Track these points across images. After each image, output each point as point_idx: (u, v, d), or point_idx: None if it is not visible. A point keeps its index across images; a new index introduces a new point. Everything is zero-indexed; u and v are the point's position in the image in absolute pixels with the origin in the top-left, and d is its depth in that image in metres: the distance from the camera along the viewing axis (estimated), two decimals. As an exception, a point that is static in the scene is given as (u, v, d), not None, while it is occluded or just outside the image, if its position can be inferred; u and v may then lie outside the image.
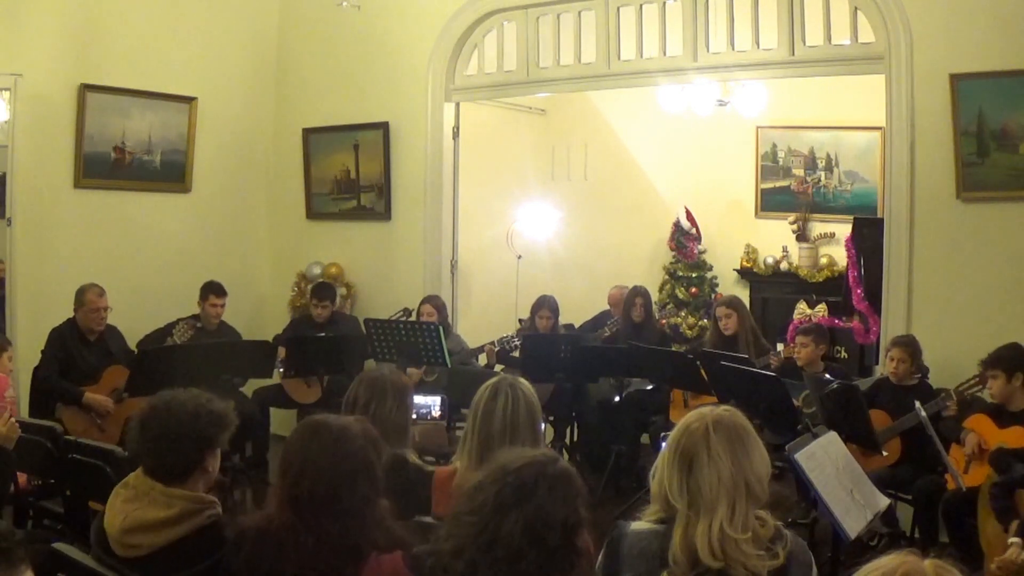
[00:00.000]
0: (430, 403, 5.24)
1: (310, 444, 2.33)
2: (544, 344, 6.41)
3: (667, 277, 8.40)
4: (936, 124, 5.15)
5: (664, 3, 6.18)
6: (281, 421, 6.75)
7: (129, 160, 6.82)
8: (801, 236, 8.11)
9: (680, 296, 8.24)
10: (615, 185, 8.81)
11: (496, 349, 6.45)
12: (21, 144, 6.29)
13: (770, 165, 8.36)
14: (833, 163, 8.04)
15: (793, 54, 5.71)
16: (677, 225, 8.29)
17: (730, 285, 8.36)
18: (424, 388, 5.96)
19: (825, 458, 3.34)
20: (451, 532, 1.99)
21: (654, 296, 7.65)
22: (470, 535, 1.94)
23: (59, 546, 2.67)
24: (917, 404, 4.58)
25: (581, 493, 2.03)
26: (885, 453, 4.65)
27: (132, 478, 2.49)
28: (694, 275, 8.28)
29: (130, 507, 2.41)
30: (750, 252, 8.36)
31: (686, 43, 6.08)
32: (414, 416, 3.65)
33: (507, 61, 6.83)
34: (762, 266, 8.27)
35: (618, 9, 6.32)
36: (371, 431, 2.44)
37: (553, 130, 9.04)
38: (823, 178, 8.10)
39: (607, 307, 7.39)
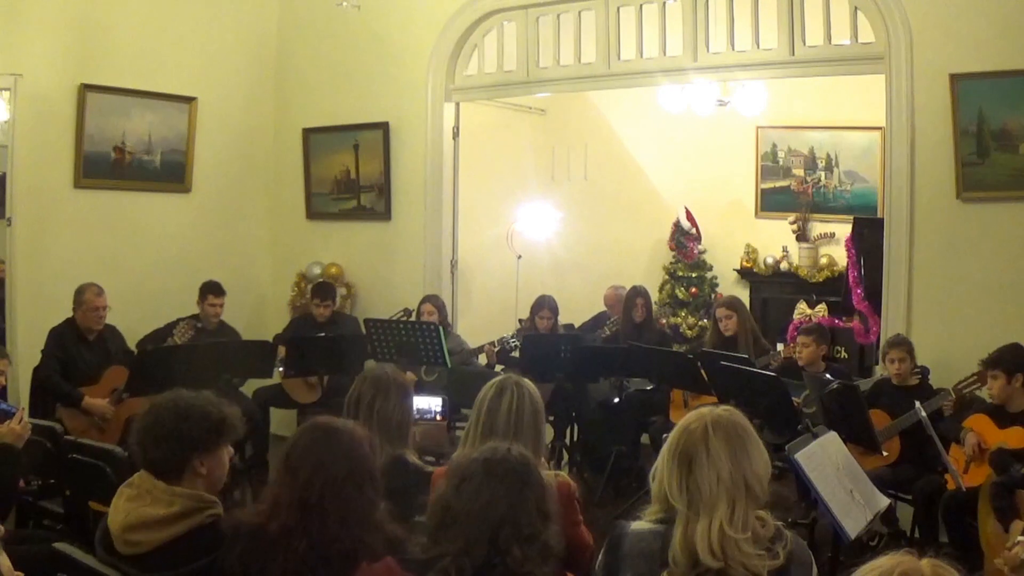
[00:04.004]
0: (431, 404, 5.24)
1: (324, 447, 2.33)
2: (544, 344, 6.41)
3: (667, 277, 8.41)
4: (936, 124, 5.15)
5: (664, 3, 6.18)
6: (281, 421, 6.75)
7: (129, 160, 6.82)
8: (801, 236, 8.12)
9: (680, 296, 8.24)
10: (615, 185, 8.81)
11: (496, 349, 6.45)
12: (21, 144, 6.29)
13: (770, 165, 8.36)
14: (833, 163, 8.05)
15: (793, 54, 5.71)
16: (677, 225, 8.29)
17: (730, 285, 8.36)
18: (424, 388, 5.97)
19: (825, 458, 3.34)
20: (438, 539, 2.02)
21: (654, 296, 7.66)
22: (456, 529, 1.99)
23: (59, 546, 2.67)
24: (917, 404, 4.59)
25: (532, 468, 2.12)
26: (885, 453, 4.65)
27: (136, 477, 2.50)
28: (694, 275, 8.28)
29: (132, 505, 2.43)
30: (750, 252, 8.36)
31: (686, 43, 6.08)
32: (416, 417, 3.65)
33: (507, 61, 6.83)
34: (762, 266, 8.27)
35: (618, 9, 6.32)
36: (371, 436, 2.46)
37: (553, 130, 9.03)
38: (823, 178, 8.11)
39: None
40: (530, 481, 2.07)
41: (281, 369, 6.21)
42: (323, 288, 6.82)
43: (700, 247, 8.33)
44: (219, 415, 2.52)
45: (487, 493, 2.01)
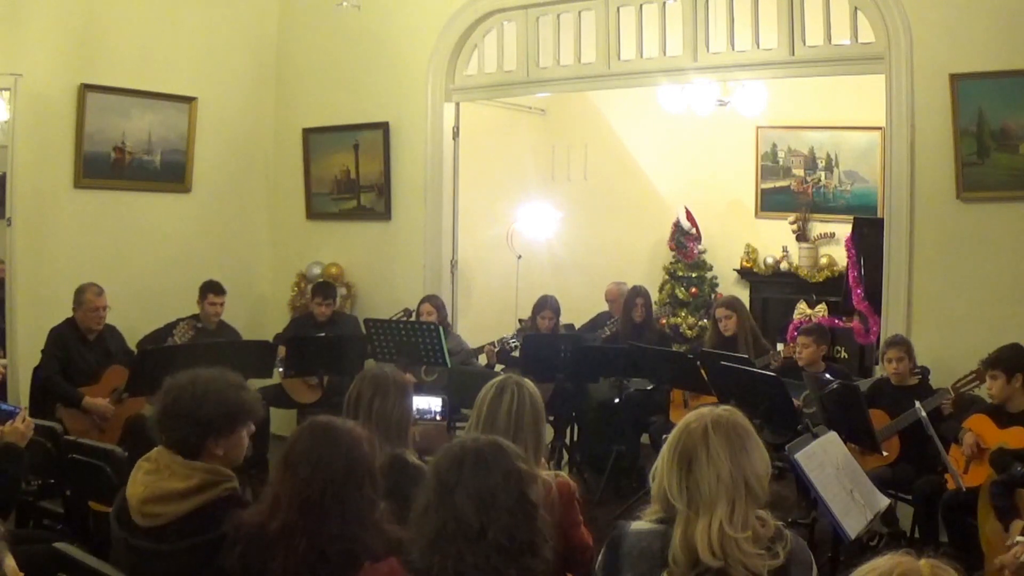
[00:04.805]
0: (431, 405, 5.25)
1: (323, 446, 2.34)
2: (544, 344, 6.41)
3: (667, 277, 8.41)
4: (936, 124, 5.15)
5: (664, 3, 6.18)
6: (281, 421, 6.75)
7: (129, 160, 6.82)
8: (801, 236, 8.12)
9: (680, 296, 8.24)
10: (615, 185, 8.81)
11: (496, 349, 6.45)
12: (21, 144, 6.28)
13: (770, 165, 8.36)
14: (833, 163, 8.05)
15: (793, 54, 5.71)
16: (677, 225, 8.29)
17: (730, 285, 8.36)
18: (424, 388, 5.97)
19: (825, 458, 3.34)
20: (422, 535, 2.02)
21: (654, 296, 7.65)
22: (434, 530, 1.99)
23: (59, 546, 2.68)
24: (917, 403, 4.59)
25: (514, 452, 2.12)
26: (885, 453, 4.66)
27: (154, 452, 2.55)
28: (694, 275, 8.28)
29: (151, 478, 2.47)
30: (750, 252, 8.36)
31: (686, 43, 6.08)
32: (415, 417, 3.66)
33: (507, 61, 6.83)
34: (762, 266, 8.27)
35: (618, 9, 6.32)
36: (371, 436, 2.47)
37: (553, 130, 9.04)
38: (823, 178, 8.11)
39: (605, 308, 7.40)
40: (505, 468, 2.07)
41: (281, 369, 6.21)
42: (324, 287, 6.83)
43: (700, 247, 8.33)
44: (236, 399, 2.56)
45: (470, 488, 2.02)
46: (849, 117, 7.73)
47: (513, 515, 1.99)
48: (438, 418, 5.25)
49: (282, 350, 6.17)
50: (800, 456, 3.25)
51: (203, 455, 2.50)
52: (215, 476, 2.47)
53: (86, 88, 6.48)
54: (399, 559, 2.10)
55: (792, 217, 8.13)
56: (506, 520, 1.98)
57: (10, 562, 1.79)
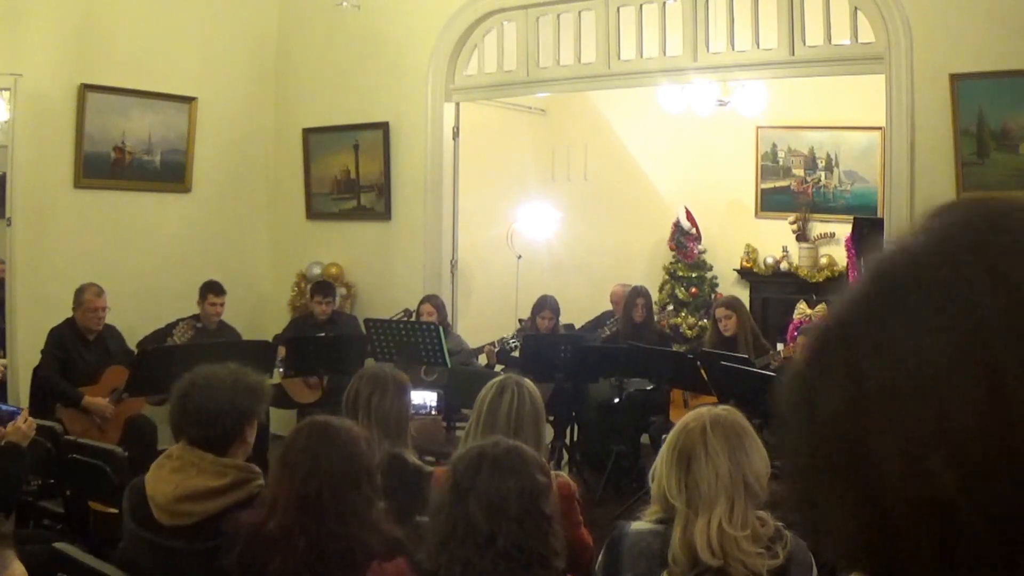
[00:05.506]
0: (426, 399, 5.23)
1: (320, 445, 2.34)
2: (544, 344, 6.41)
3: (667, 277, 8.40)
4: (936, 124, 5.15)
5: (664, 3, 6.18)
6: (281, 421, 6.74)
7: (129, 160, 6.82)
8: (801, 236, 8.11)
9: (680, 296, 8.24)
10: (615, 185, 8.81)
11: (496, 349, 6.45)
12: (21, 144, 6.29)
13: (770, 165, 8.35)
14: (833, 163, 8.04)
15: (793, 54, 5.71)
16: (677, 225, 8.29)
17: (730, 285, 8.36)
18: (424, 387, 5.96)
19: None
20: (433, 535, 2.02)
21: (654, 296, 7.66)
22: (445, 532, 1.99)
23: (59, 546, 2.68)
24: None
25: (534, 462, 2.08)
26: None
27: (176, 449, 2.54)
28: (694, 275, 8.28)
29: (179, 477, 2.47)
30: (750, 252, 8.35)
31: (686, 43, 6.08)
32: (412, 413, 3.65)
33: (507, 61, 6.83)
34: (762, 266, 8.26)
35: (618, 9, 6.32)
36: (369, 435, 2.48)
37: (553, 130, 9.04)
38: (823, 178, 8.10)
39: (608, 307, 7.39)
40: (521, 478, 2.05)
41: (281, 369, 6.21)
42: (323, 285, 6.83)
43: (700, 247, 8.32)
44: (254, 381, 2.64)
45: (492, 490, 2.01)
46: (849, 117, 7.72)
47: (523, 526, 1.97)
48: (433, 412, 5.24)
49: (282, 350, 6.16)
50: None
51: (234, 445, 2.51)
52: (247, 474, 2.49)
53: (86, 88, 6.48)
54: (407, 559, 2.10)
55: (792, 217, 8.12)
56: (516, 530, 1.96)
57: (18, 567, 1.79)
